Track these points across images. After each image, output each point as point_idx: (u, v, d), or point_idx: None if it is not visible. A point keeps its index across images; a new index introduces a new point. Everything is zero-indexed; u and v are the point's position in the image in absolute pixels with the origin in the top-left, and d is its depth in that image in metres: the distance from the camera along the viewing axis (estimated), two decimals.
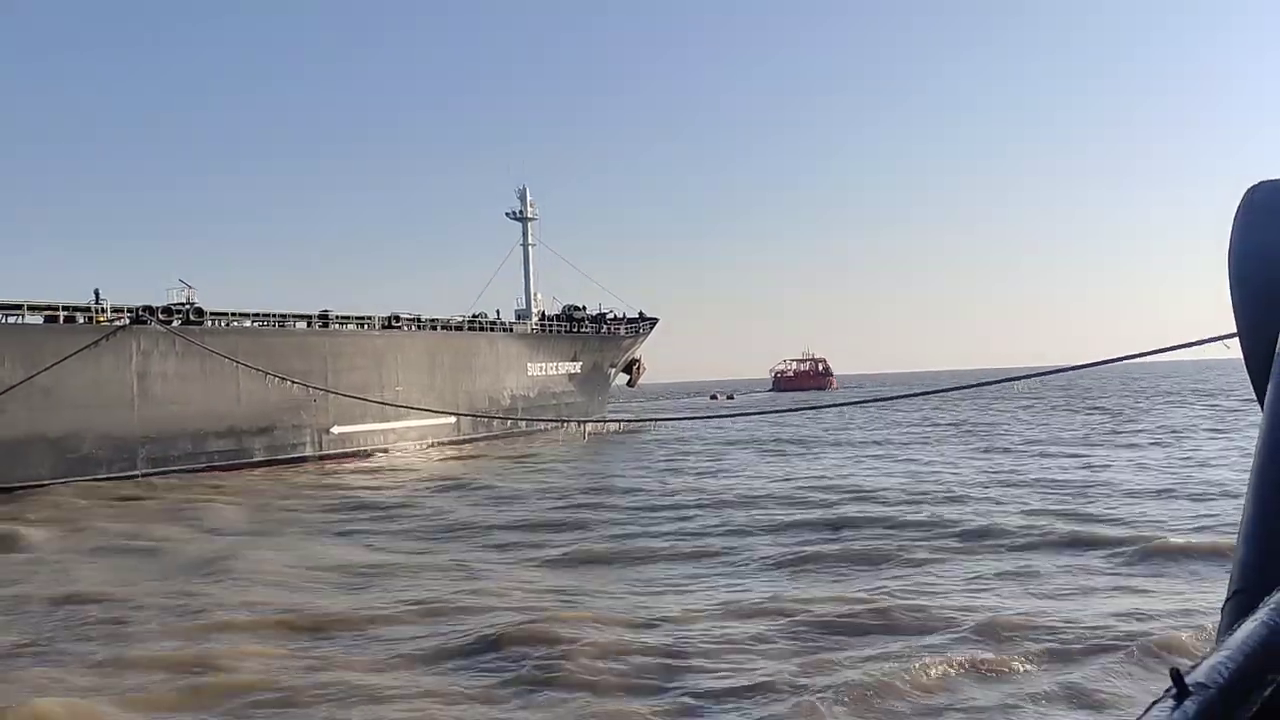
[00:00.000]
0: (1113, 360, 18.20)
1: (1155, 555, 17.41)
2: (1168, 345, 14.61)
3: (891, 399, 26.23)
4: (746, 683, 11.05)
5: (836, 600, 14.92)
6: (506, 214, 69.41)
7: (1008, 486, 28.35)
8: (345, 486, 35.43)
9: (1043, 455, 37.73)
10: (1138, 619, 13.09)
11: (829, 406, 44.30)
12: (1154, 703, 3.11)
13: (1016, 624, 12.98)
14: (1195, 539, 18.83)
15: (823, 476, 32.84)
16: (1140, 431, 48.40)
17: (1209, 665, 3.13)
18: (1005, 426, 56.07)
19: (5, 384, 34.84)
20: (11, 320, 37.13)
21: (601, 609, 14.97)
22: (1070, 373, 26.04)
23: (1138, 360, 18.21)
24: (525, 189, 69.05)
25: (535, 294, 68.99)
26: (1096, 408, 72.96)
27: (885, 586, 15.66)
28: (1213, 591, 13.53)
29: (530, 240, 69.21)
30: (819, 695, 10.39)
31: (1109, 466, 32.68)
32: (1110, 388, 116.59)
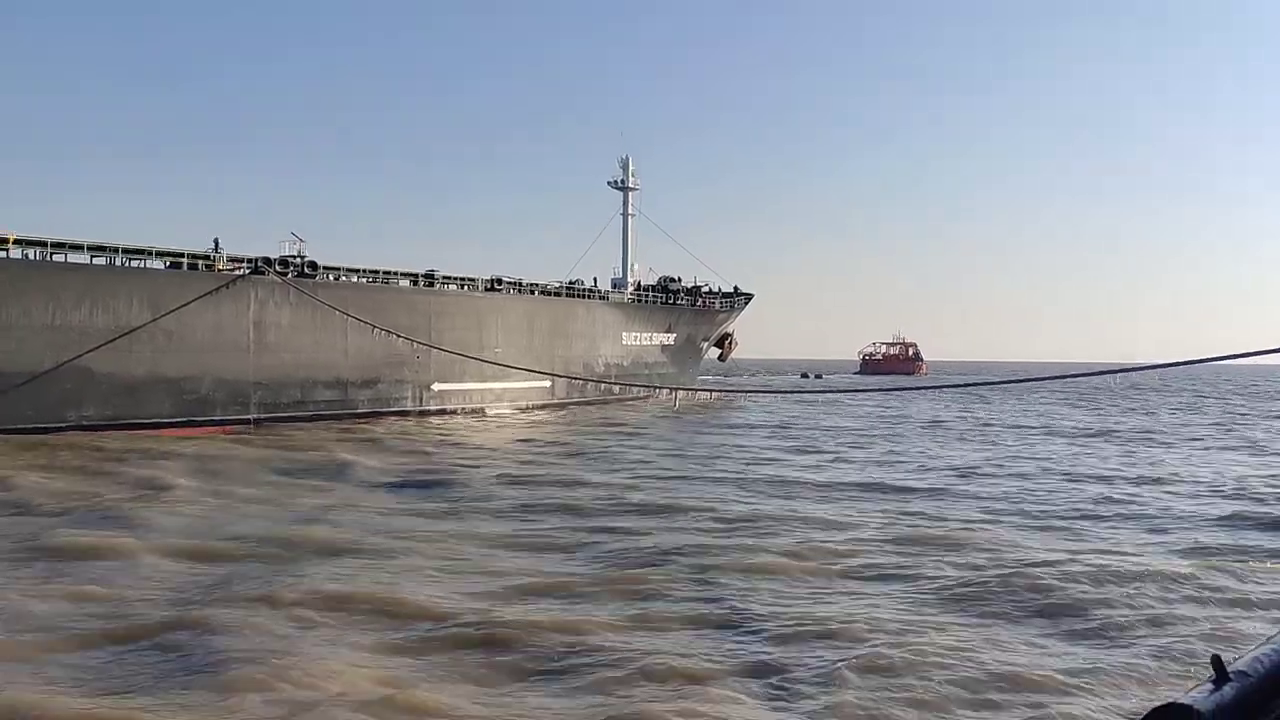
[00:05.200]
0: (1224, 358, 17.59)
1: None
2: None
3: (990, 384, 25.60)
4: None
5: None
6: (608, 183, 69.78)
7: None
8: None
9: None
10: None
11: (924, 388, 44.07)
12: (1192, 687, 3.13)
13: None
14: None
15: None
16: None
17: (1252, 656, 3.16)
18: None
19: (132, 325, 36.37)
20: (136, 264, 38.59)
21: None
22: (1153, 371, 25.20)
23: (1215, 363, 17.60)
24: (628, 158, 69.28)
25: (632, 264, 69.44)
26: None
27: None
28: None
29: (630, 210, 69.49)
30: None
31: None
32: (1222, 388, 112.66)
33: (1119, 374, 23.14)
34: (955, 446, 37.38)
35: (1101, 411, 61.05)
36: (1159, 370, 23.76)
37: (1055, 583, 13.93)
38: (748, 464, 29.85)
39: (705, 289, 72.97)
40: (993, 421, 51.08)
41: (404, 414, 45.48)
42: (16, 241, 34.88)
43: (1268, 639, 3.65)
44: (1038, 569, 14.73)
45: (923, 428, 46.04)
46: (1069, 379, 21.92)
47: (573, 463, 29.90)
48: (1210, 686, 3.08)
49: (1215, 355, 17.37)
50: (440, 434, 39.26)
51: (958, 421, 50.75)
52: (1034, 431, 44.77)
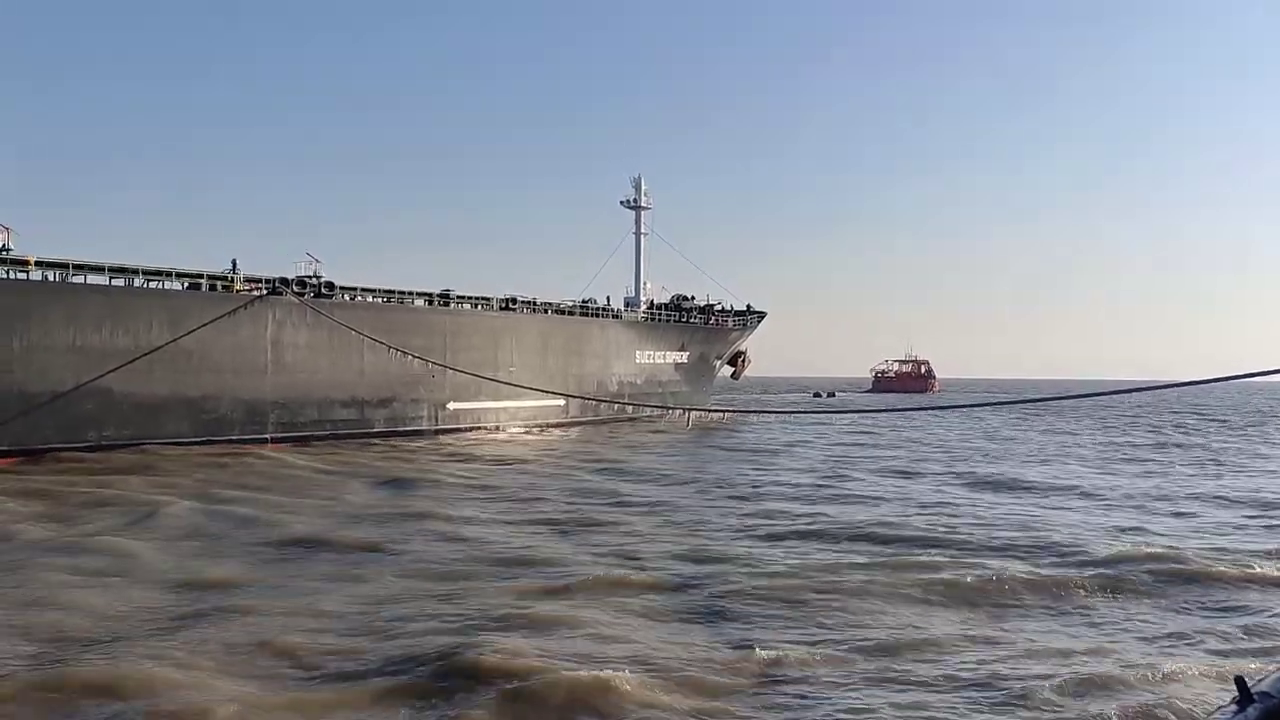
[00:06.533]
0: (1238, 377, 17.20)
1: None
2: None
3: (1014, 403, 25.30)
4: None
5: None
6: (621, 202, 69.93)
7: None
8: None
9: None
10: None
11: (948, 408, 43.39)
12: (1217, 708, 3.13)
13: None
14: None
15: None
16: None
17: (1276, 677, 3.16)
18: None
19: (152, 345, 36.67)
20: (154, 285, 38.88)
21: None
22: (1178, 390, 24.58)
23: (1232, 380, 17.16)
24: (640, 177, 69.50)
25: (645, 282, 69.46)
26: None
27: None
28: None
29: (643, 229, 69.62)
30: None
31: None
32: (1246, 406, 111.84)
33: (1140, 391, 22.65)
34: None
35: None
36: (1176, 389, 23.33)
37: None
38: None
39: (718, 307, 73.03)
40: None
41: (419, 433, 45.64)
42: (38, 263, 35.22)
43: None
44: None
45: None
46: (1095, 396, 20.62)
47: None
48: (1234, 708, 3.11)
49: (1238, 374, 17.05)
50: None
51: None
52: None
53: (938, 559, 17.93)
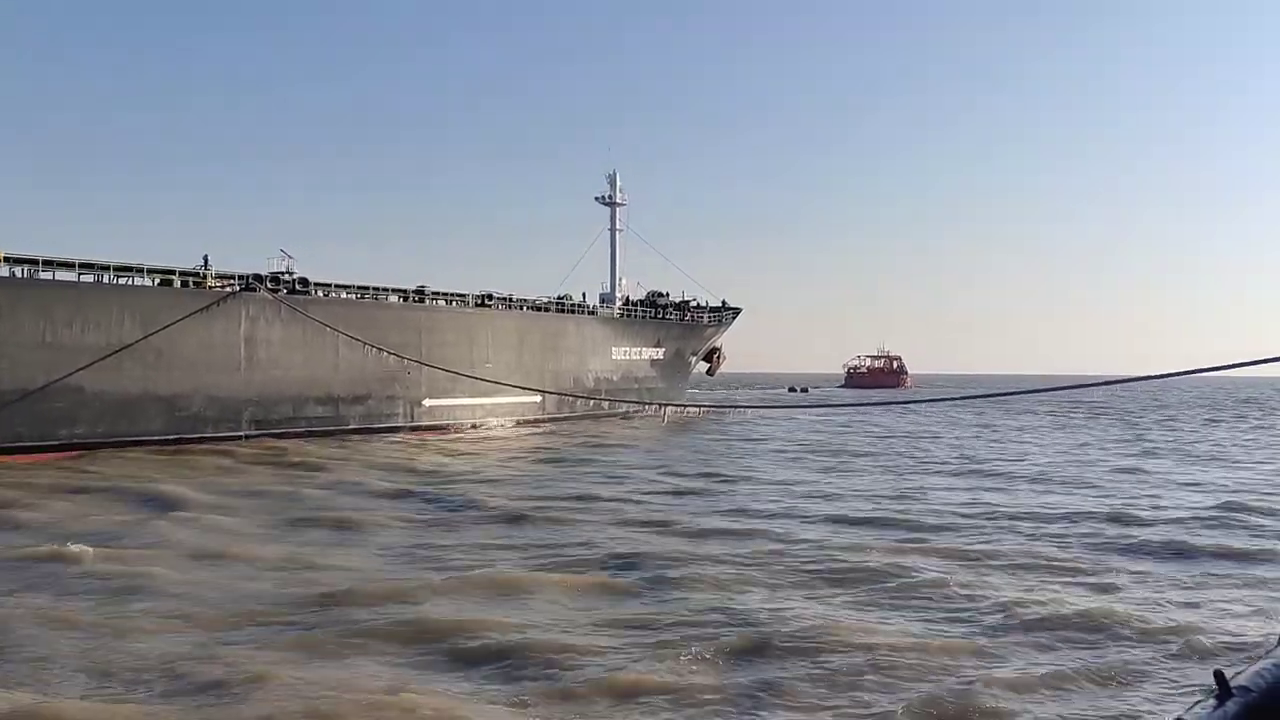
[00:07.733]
0: (1212, 369, 17.27)
1: None
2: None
3: (980, 397, 25.42)
4: None
5: None
6: (596, 198, 69.77)
7: None
8: None
9: None
10: None
11: (918, 402, 44.27)
12: (1196, 702, 3.11)
13: None
14: None
15: None
16: None
17: (1254, 671, 3.12)
18: None
19: (123, 342, 36.24)
20: (123, 281, 38.36)
21: None
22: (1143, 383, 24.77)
23: (1216, 373, 17.25)
24: (615, 174, 69.32)
25: (620, 279, 69.32)
26: None
27: None
28: None
29: (618, 225, 69.48)
30: None
31: None
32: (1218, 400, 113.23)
33: (1108, 385, 22.85)
34: None
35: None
36: (1153, 383, 23.39)
37: None
38: None
39: (693, 304, 73.03)
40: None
41: (395, 430, 45.40)
42: (5, 259, 34.71)
43: (1268, 652, 3.60)
44: None
45: None
46: (1060, 390, 19.62)
47: None
48: (1214, 702, 3.07)
49: (1202, 367, 17.16)
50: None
51: None
52: None
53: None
